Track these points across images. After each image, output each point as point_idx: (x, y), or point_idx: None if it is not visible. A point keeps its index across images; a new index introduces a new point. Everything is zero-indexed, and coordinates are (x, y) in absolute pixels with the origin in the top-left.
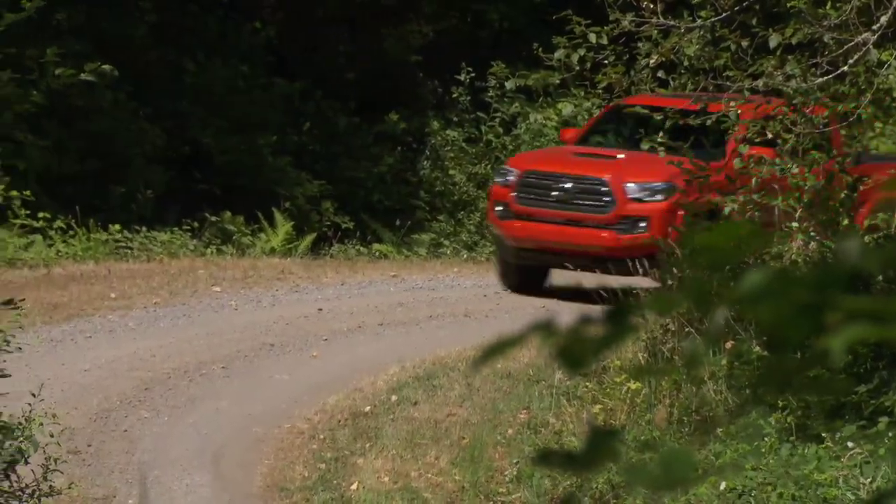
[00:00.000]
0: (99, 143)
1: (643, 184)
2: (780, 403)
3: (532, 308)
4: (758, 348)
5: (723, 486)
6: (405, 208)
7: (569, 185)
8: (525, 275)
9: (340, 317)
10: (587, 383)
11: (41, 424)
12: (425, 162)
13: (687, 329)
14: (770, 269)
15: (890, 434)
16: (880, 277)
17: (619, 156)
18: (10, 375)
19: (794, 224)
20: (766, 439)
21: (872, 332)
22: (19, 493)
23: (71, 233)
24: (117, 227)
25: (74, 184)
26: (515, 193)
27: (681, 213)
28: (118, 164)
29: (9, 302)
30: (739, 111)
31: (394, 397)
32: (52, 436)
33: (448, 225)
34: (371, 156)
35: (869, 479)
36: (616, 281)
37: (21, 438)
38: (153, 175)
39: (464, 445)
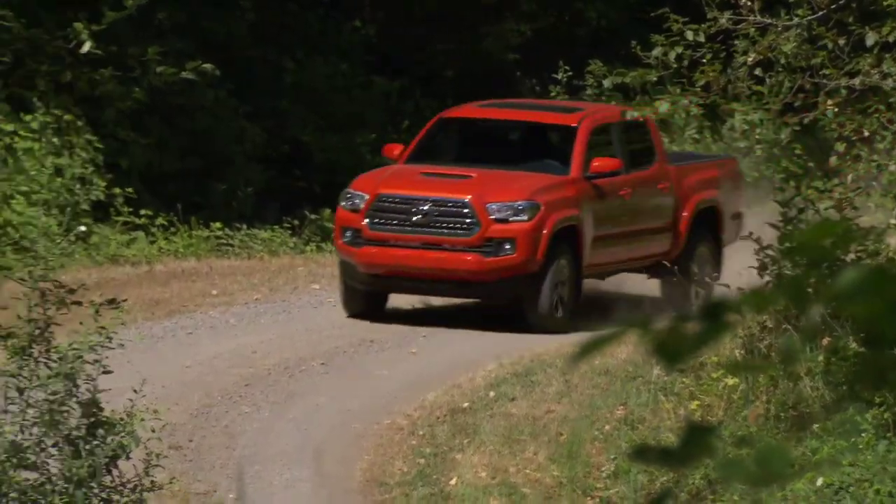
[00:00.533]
0: (200, 141)
1: (506, 203)
2: (877, 399)
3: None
4: (854, 345)
5: (819, 482)
6: None
7: (428, 208)
8: (370, 300)
9: (438, 314)
10: (684, 379)
11: (143, 420)
12: None
13: (784, 326)
14: (866, 266)
15: None
16: None
17: (472, 175)
18: (112, 372)
19: (893, 221)
20: (862, 435)
21: None
22: (121, 487)
23: (172, 230)
24: (218, 224)
25: (176, 181)
26: (368, 219)
27: (545, 231)
28: (219, 162)
29: (112, 301)
30: (836, 109)
31: (492, 393)
32: (153, 431)
33: None
34: None
35: None
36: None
37: (123, 434)
38: (253, 173)
39: (561, 441)
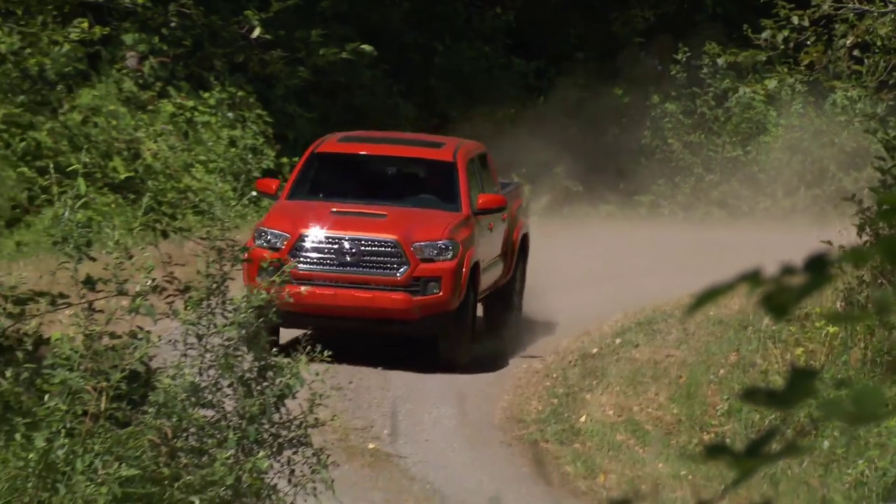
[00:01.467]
0: (358, 116)
1: (431, 243)
2: None
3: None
4: None
5: None
6: (628, 173)
7: (355, 248)
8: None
9: (572, 269)
10: (790, 328)
11: (307, 363)
12: (646, 132)
13: (879, 280)
14: None
15: None
16: None
17: (384, 213)
18: (281, 322)
19: None
20: None
21: None
22: (287, 423)
23: None
24: None
25: None
26: (291, 258)
27: (465, 269)
28: None
29: (278, 259)
30: None
31: (618, 340)
32: (317, 374)
33: (666, 188)
34: (598, 127)
35: None
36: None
37: (290, 376)
38: None
39: (680, 383)
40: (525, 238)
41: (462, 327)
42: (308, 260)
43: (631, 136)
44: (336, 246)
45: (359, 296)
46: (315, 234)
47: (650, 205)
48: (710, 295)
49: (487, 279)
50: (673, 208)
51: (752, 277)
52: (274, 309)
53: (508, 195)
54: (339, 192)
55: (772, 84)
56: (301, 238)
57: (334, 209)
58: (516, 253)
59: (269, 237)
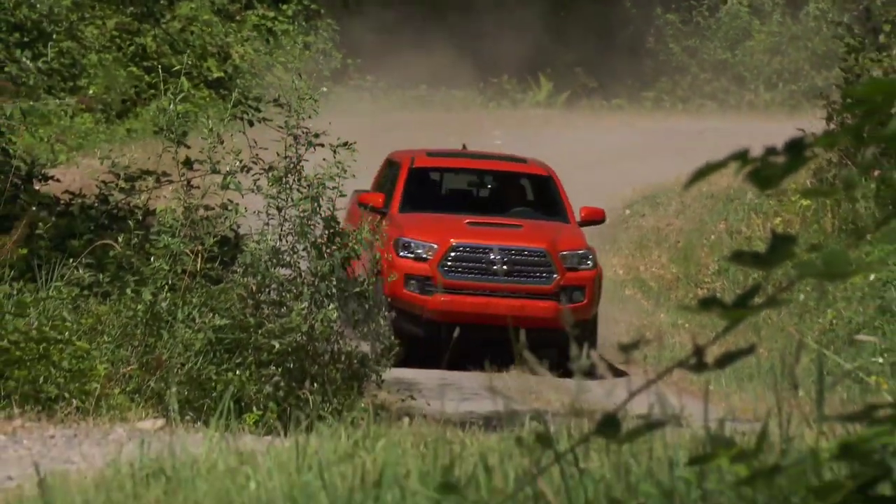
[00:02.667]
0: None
1: (575, 252)
2: None
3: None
4: None
5: (872, 277)
6: (635, 73)
7: (506, 257)
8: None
9: (589, 152)
10: (770, 202)
11: (369, 231)
12: (650, 38)
13: (844, 161)
14: None
15: None
16: None
17: (520, 224)
18: (345, 195)
19: None
20: None
21: None
22: (353, 281)
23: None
24: None
25: None
26: (441, 268)
27: (600, 279)
28: None
29: (345, 143)
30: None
31: (627, 211)
32: (378, 239)
33: (667, 85)
34: (610, 34)
35: None
36: None
37: (353, 242)
38: None
39: (678, 247)
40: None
41: (594, 336)
42: (457, 269)
43: (638, 42)
44: (487, 256)
45: (509, 304)
46: (464, 245)
47: (654, 99)
48: (705, 172)
49: None
50: (673, 101)
51: (741, 157)
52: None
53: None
54: (446, 205)
55: None
56: (451, 249)
57: (468, 221)
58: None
59: (414, 248)
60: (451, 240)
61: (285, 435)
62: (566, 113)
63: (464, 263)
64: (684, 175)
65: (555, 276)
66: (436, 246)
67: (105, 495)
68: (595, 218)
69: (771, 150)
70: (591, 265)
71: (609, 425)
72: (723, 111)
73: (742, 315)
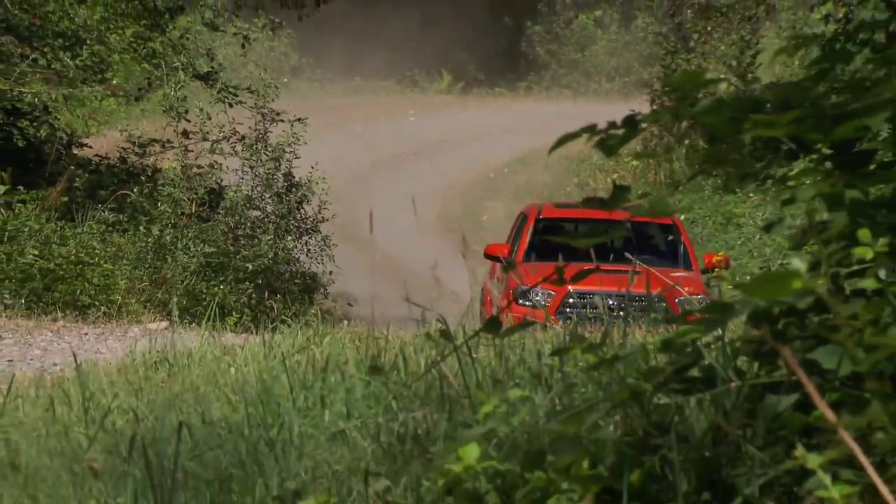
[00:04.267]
0: None
1: (689, 298)
2: (714, 172)
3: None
4: (702, 143)
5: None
6: (514, 68)
7: (622, 303)
8: None
9: (478, 128)
10: (609, 162)
11: (317, 182)
12: (523, 44)
13: (663, 133)
14: (711, 98)
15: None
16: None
17: (639, 271)
18: (299, 157)
19: (722, 76)
20: (706, 192)
21: (767, 131)
22: (306, 218)
23: None
24: None
25: None
26: (560, 315)
27: None
28: None
29: (300, 119)
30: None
31: (506, 170)
32: (323, 189)
33: (535, 78)
34: (490, 42)
35: (762, 213)
36: None
37: (305, 190)
38: None
39: (544, 196)
40: None
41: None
42: (574, 315)
43: (514, 46)
44: (600, 301)
45: None
46: (579, 291)
47: (526, 88)
48: (563, 140)
49: None
50: (539, 90)
51: (591, 130)
52: None
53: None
54: (568, 254)
55: (598, 13)
56: (568, 295)
57: (593, 267)
58: None
59: (531, 295)
60: (569, 286)
61: (256, 333)
62: (462, 98)
63: (579, 311)
64: (548, 143)
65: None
66: (553, 293)
67: (124, 377)
68: (717, 266)
69: (612, 125)
70: None
71: (492, 326)
72: (575, 97)
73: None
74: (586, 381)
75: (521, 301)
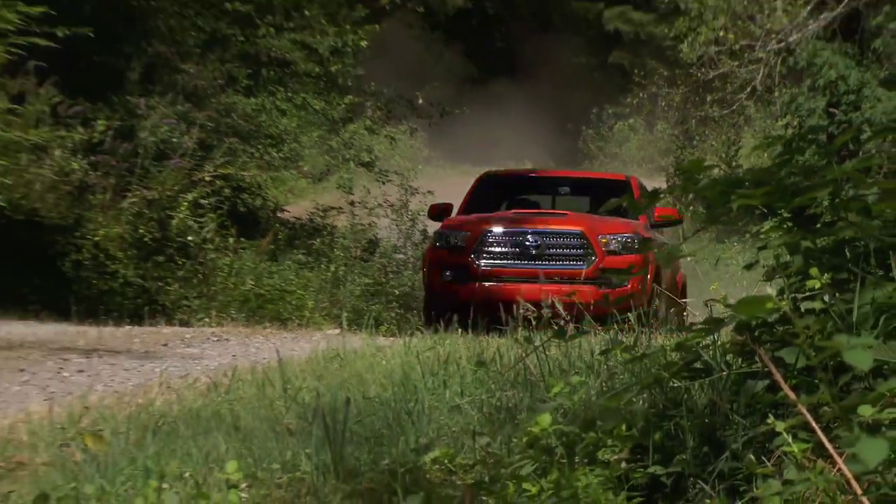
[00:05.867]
0: None
1: (618, 235)
2: (710, 228)
3: None
4: (702, 208)
5: (688, 259)
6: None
7: (541, 241)
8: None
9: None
10: None
11: None
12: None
13: (676, 202)
14: (711, 179)
15: (751, 239)
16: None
17: (566, 213)
18: None
19: (722, 157)
20: (704, 241)
21: (747, 201)
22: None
23: None
24: None
25: None
26: (475, 255)
27: (652, 267)
28: None
29: None
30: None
31: None
32: None
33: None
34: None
35: (743, 256)
36: None
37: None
38: None
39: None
40: (685, 285)
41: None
42: (490, 256)
43: (574, 144)
44: (520, 240)
45: (544, 290)
46: (497, 230)
47: None
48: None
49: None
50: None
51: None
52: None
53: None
54: (515, 208)
55: (630, 121)
56: (484, 234)
57: (516, 211)
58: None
59: (449, 237)
60: (484, 227)
61: (400, 338)
62: None
63: (497, 249)
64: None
65: (593, 259)
66: (468, 233)
67: (310, 367)
68: (668, 217)
69: (643, 193)
70: (637, 250)
71: (560, 333)
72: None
73: None
74: (623, 371)
75: (437, 243)
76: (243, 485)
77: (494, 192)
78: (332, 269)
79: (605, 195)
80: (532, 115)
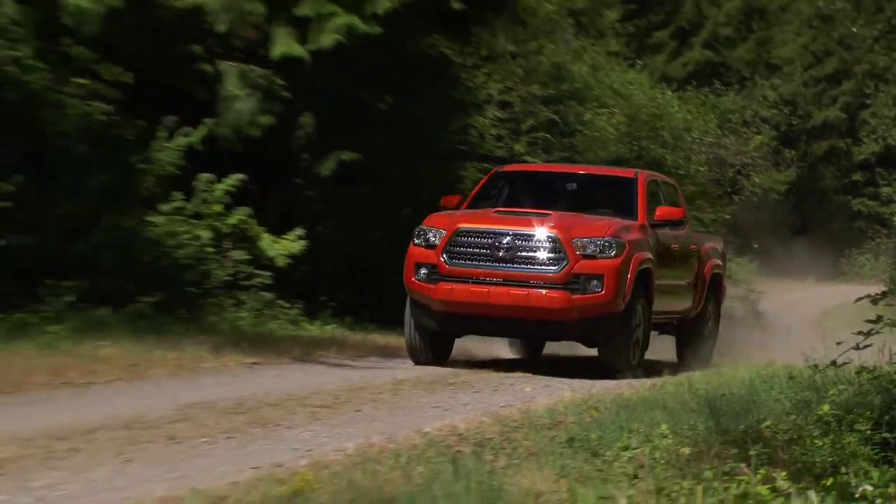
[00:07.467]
0: None
1: (593, 239)
2: None
3: None
4: None
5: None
6: None
7: (511, 242)
8: (437, 349)
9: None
10: None
11: None
12: None
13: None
14: None
15: None
16: None
17: (549, 213)
18: None
19: None
20: None
21: None
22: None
23: None
24: None
25: None
26: (446, 255)
27: (631, 271)
28: None
29: None
30: None
31: None
32: None
33: None
34: None
35: None
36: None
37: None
38: None
39: None
40: (717, 277)
41: (626, 333)
42: (462, 256)
43: None
44: (491, 241)
45: (514, 294)
46: (470, 230)
47: None
48: None
49: (669, 303)
50: None
51: None
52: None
53: (704, 239)
54: (516, 203)
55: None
56: (456, 233)
57: (498, 210)
58: (706, 287)
59: (425, 234)
60: (457, 224)
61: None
62: None
63: (468, 250)
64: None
65: (564, 263)
66: (444, 231)
67: (691, 377)
68: (670, 217)
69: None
70: (614, 254)
71: (832, 364)
72: None
73: None
74: (867, 382)
75: (416, 241)
76: (668, 434)
77: (502, 188)
78: None
79: (612, 192)
80: None
